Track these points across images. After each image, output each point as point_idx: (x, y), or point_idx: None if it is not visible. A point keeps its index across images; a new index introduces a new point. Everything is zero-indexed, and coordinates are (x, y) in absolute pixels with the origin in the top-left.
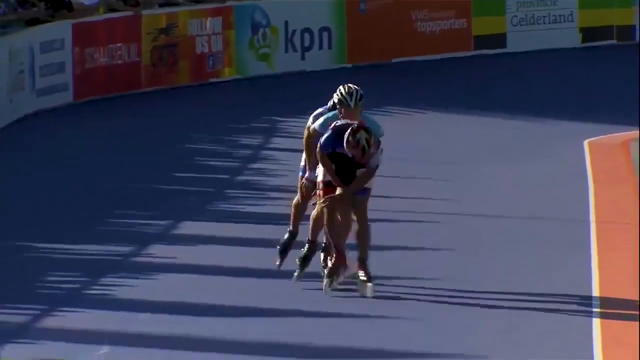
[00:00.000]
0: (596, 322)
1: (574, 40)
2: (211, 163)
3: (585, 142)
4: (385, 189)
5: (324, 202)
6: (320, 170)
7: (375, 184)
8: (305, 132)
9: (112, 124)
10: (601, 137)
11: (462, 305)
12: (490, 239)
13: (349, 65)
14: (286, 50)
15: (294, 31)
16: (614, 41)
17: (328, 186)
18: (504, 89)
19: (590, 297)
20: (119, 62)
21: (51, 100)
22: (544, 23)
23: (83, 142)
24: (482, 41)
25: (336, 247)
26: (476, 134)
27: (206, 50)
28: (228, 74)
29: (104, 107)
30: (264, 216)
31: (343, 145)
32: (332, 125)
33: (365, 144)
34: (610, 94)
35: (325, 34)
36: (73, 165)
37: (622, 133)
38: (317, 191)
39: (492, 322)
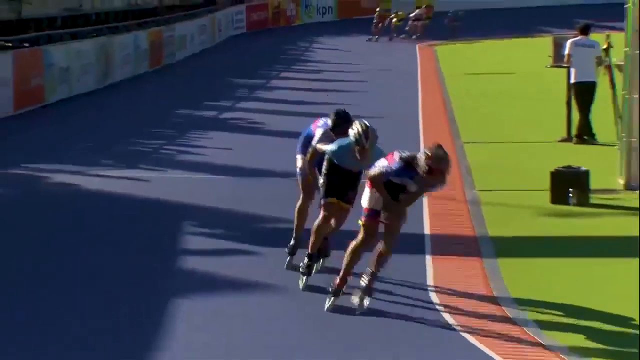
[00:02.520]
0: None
1: None
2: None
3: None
4: None
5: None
6: (368, 197)
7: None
8: (310, 150)
9: (259, 38)
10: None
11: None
12: None
13: (338, 19)
14: (317, 14)
15: (319, 7)
16: None
17: (373, 215)
18: None
19: None
20: (261, 18)
21: (238, 32)
22: None
23: (253, 45)
24: None
25: (348, 270)
26: None
27: (290, 14)
28: (297, 22)
29: (257, 34)
30: None
31: (406, 176)
32: (398, 156)
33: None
34: None
35: (330, 8)
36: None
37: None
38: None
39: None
